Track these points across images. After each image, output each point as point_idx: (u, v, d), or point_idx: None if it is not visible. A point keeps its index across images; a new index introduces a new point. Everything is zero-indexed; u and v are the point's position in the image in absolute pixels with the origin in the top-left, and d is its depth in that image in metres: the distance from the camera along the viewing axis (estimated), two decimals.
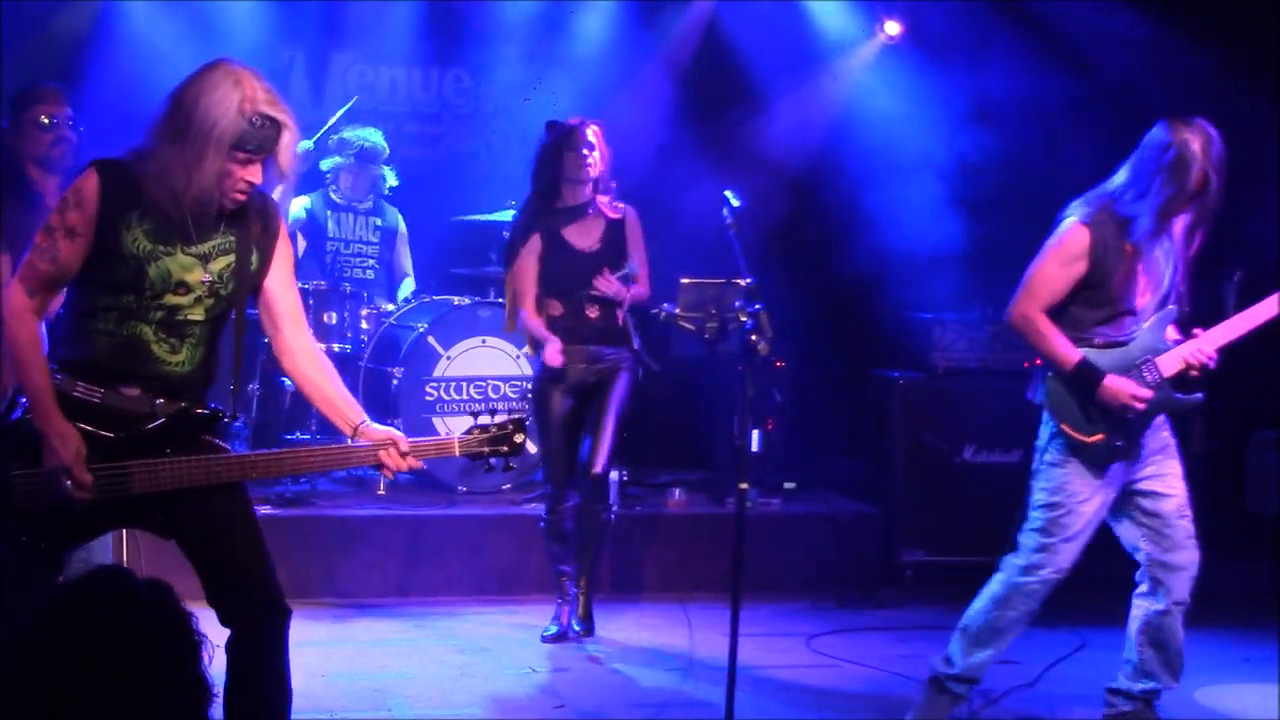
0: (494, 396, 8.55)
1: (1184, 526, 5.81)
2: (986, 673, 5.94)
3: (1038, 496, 5.84)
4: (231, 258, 4.39)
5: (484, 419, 4.67)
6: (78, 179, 4.27)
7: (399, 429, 8.06)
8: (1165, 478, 5.80)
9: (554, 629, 7.12)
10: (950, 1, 9.53)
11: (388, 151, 9.11)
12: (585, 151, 6.91)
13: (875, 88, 9.75)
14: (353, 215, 9.06)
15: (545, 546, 7.24)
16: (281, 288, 4.54)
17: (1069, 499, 5.74)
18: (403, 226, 9.23)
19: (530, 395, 7.33)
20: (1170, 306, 5.76)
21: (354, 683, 6.41)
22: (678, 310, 5.98)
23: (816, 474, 9.29)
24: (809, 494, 8.98)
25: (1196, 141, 5.49)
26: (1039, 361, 5.88)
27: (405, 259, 9.24)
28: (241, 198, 4.31)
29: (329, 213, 9.04)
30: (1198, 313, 5.80)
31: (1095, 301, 5.70)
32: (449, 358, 8.50)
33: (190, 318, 4.35)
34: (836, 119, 9.87)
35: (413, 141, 10.18)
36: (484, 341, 8.57)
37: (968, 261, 8.93)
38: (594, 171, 6.95)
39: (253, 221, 4.42)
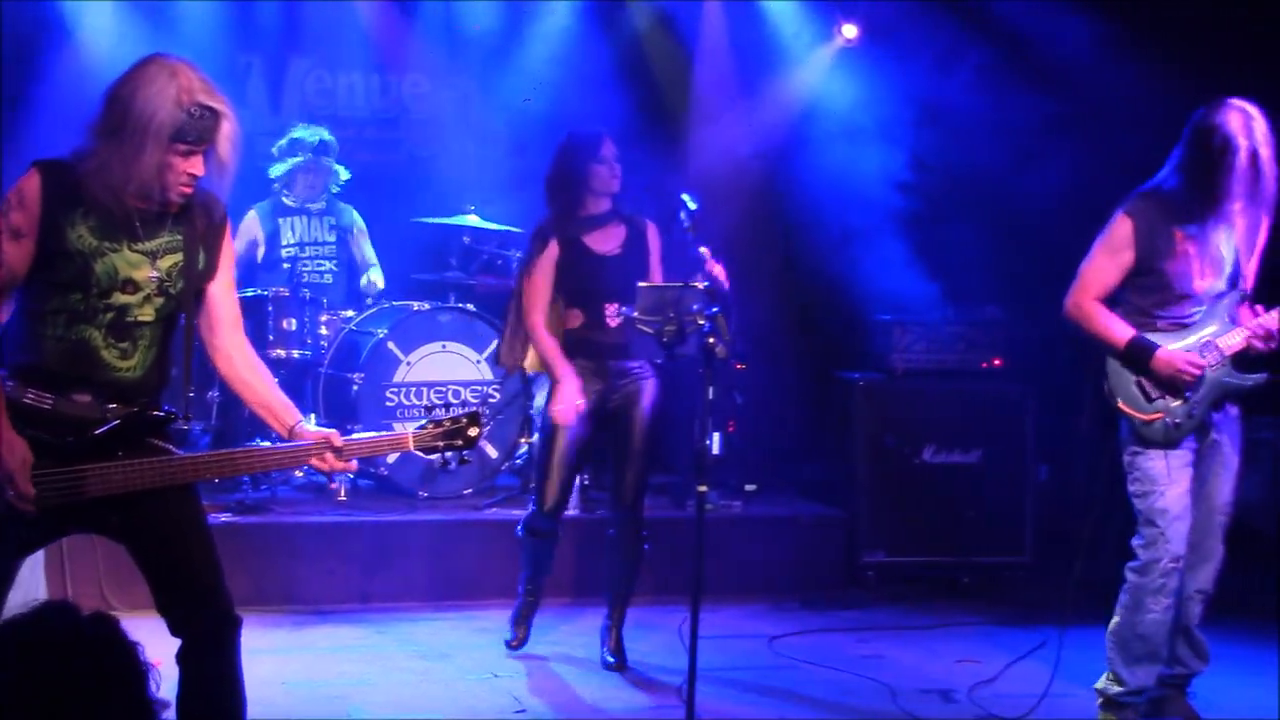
0: (454, 401, 8.38)
1: (1222, 522, 5.97)
2: (1153, 679, 5.99)
3: (1132, 491, 5.93)
4: (179, 256, 4.37)
5: (438, 413, 4.68)
6: (19, 180, 4.26)
7: (360, 434, 8.17)
8: (1224, 471, 5.93)
9: (517, 634, 7.01)
10: (907, 4, 9.54)
11: (338, 146, 9.08)
12: (614, 164, 6.71)
13: (833, 90, 9.76)
14: (306, 218, 9.03)
15: (521, 555, 7.00)
16: (224, 292, 4.53)
17: (1155, 484, 5.82)
18: (359, 221, 9.18)
19: (541, 411, 6.83)
20: (1235, 290, 5.87)
21: (314, 690, 6.38)
22: (635, 313, 5.95)
23: (778, 476, 9.30)
24: (771, 496, 8.98)
25: (1237, 121, 5.62)
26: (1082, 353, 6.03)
27: (367, 251, 9.19)
28: (186, 190, 4.28)
29: (282, 219, 8.99)
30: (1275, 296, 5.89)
31: (1150, 287, 5.84)
32: (409, 363, 8.47)
33: (140, 318, 4.33)
34: (795, 121, 9.87)
35: (371, 147, 10.15)
36: (444, 346, 8.55)
37: (928, 263, 8.95)
38: (619, 183, 6.77)
39: (198, 218, 4.41)
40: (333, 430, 4.54)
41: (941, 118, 9.37)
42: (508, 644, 6.99)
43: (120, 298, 4.30)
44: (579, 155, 6.70)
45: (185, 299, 4.41)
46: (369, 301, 8.97)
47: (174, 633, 4.34)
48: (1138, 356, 5.78)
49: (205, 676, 4.38)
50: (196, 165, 4.26)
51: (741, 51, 9.94)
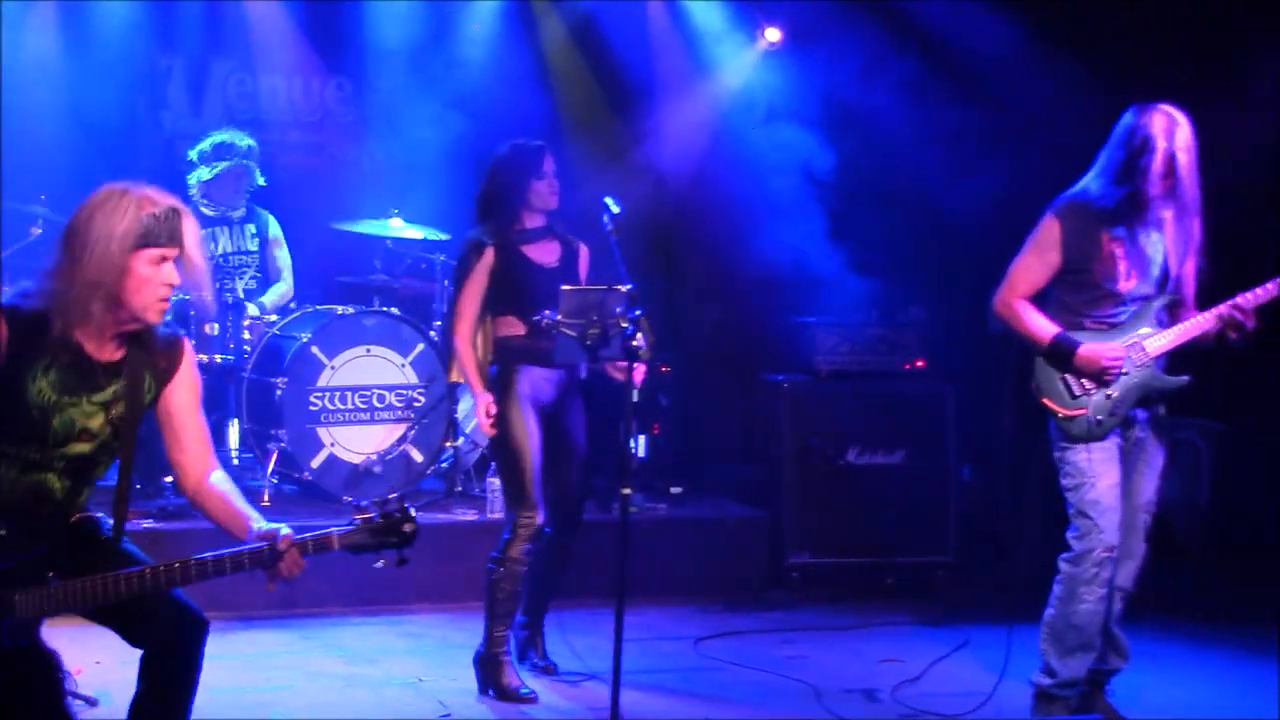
0: (379, 406, 8.50)
1: (1145, 520, 6.08)
2: (1085, 669, 6.06)
3: (1064, 485, 6.01)
4: (130, 396, 4.40)
5: (367, 513, 4.50)
6: None
7: (283, 439, 8.15)
8: (1147, 469, 6.05)
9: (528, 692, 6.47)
10: (830, 8, 9.58)
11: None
12: (554, 179, 6.59)
13: (757, 93, 9.79)
14: (228, 227, 8.93)
15: (507, 595, 6.46)
16: (186, 411, 4.55)
17: (1086, 476, 5.92)
18: (275, 229, 9.12)
19: (499, 421, 6.46)
20: (1163, 293, 5.96)
21: (238, 697, 6.34)
22: (559, 317, 5.96)
23: (704, 478, 9.33)
24: (696, 498, 9.01)
25: (1160, 123, 5.74)
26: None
27: (282, 260, 9.12)
28: (165, 305, 4.28)
29: (205, 230, 8.88)
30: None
31: (1077, 286, 5.95)
32: (333, 367, 8.42)
33: (96, 460, 4.39)
34: (719, 124, 9.90)
35: (295, 150, 10.09)
36: (368, 350, 8.51)
37: (850, 266, 9.00)
38: (557, 200, 6.64)
39: (159, 358, 4.43)
40: (282, 530, 4.43)
41: (864, 121, 9.42)
42: (529, 697, 6.41)
43: (75, 448, 4.33)
44: (519, 170, 6.56)
45: (131, 434, 4.42)
46: (292, 306, 8.92)
47: (135, 645, 4.38)
48: (1061, 353, 5.88)
49: (167, 683, 4.44)
50: (172, 274, 4.25)
51: (665, 54, 9.95)
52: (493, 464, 8.03)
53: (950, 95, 9.32)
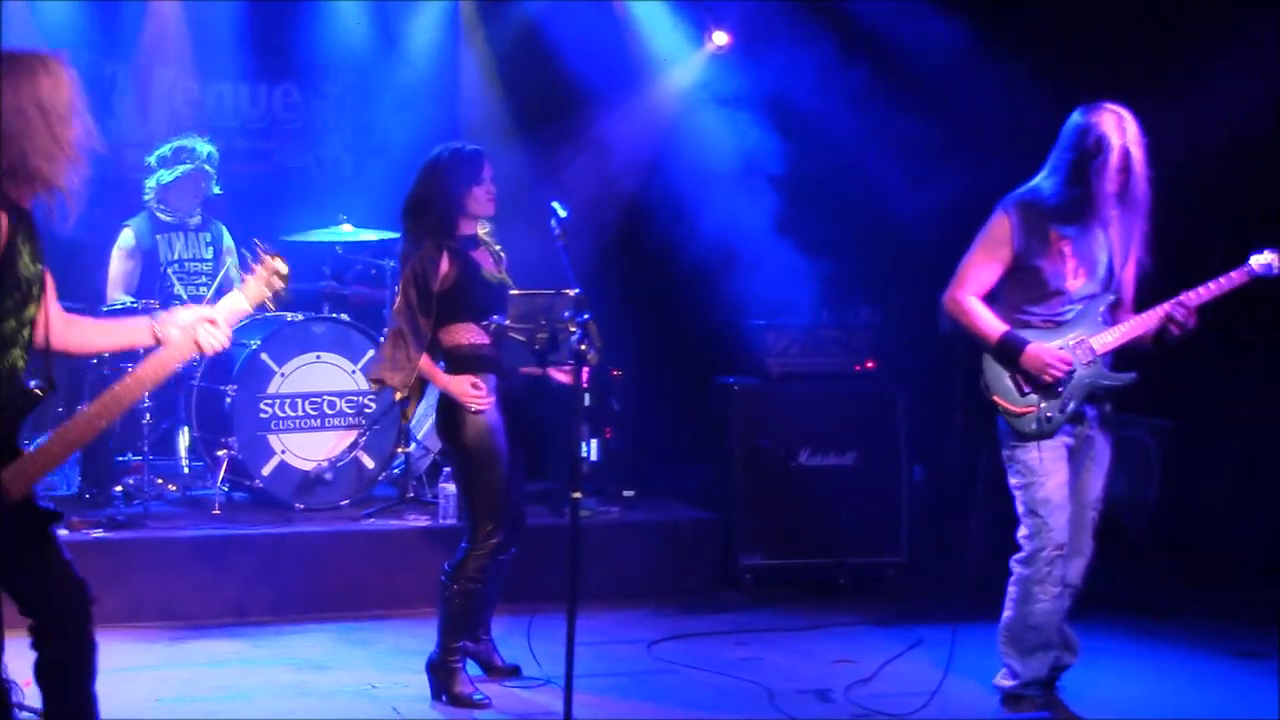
0: (330, 412, 8.48)
1: (1093, 517, 6.13)
2: (1046, 668, 6.13)
3: (1012, 484, 6.07)
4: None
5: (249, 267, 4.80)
6: None
7: (233, 447, 8.12)
8: (1095, 467, 6.10)
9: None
10: (777, 11, 9.62)
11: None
12: (491, 185, 6.41)
13: (706, 95, 9.81)
14: (184, 233, 8.90)
15: (462, 611, 6.36)
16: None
17: (1035, 474, 5.97)
18: (229, 239, 9.09)
19: (466, 434, 6.26)
20: (1108, 292, 6.02)
21: (190, 706, 6.32)
22: (508, 322, 5.96)
23: (656, 481, 9.33)
24: (649, 501, 9.01)
25: (1111, 122, 5.79)
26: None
27: (234, 273, 9.09)
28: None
29: (160, 236, 8.85)
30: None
31: (1025, 284, 6.00)
32: (283, 374, 8.39)
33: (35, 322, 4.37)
34: (667, 126, 9.92)
35: (242, 158, 10.05)
36: (318, 357, 8.48)
37: (800, 268, 9.02)
38: (494, 207, 6.46)
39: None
40: (206, 310, 4.63)
41: (814, 123, 9.44)
42: (482, 702, 6.36)
43: (31, 310, 4.33)
44: (458, 176, 6.33)
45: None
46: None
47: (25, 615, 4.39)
48: (1009, 351, 5.93)
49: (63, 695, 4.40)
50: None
51: (613, 57, 9.96)
52: (446, 471, 8.03)
53: (900, 97, 9.37)
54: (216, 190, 8.95)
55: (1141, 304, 6.08)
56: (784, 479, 8.54)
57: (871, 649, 7.32)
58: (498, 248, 6.57)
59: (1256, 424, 9.23)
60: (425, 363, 6.29)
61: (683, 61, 10.03)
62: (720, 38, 9.97)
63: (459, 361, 6.33)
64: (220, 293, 8.88)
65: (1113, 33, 9.18)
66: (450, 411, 6.31)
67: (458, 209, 6.35)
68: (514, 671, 6.74)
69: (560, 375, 6.26)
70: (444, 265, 6.26)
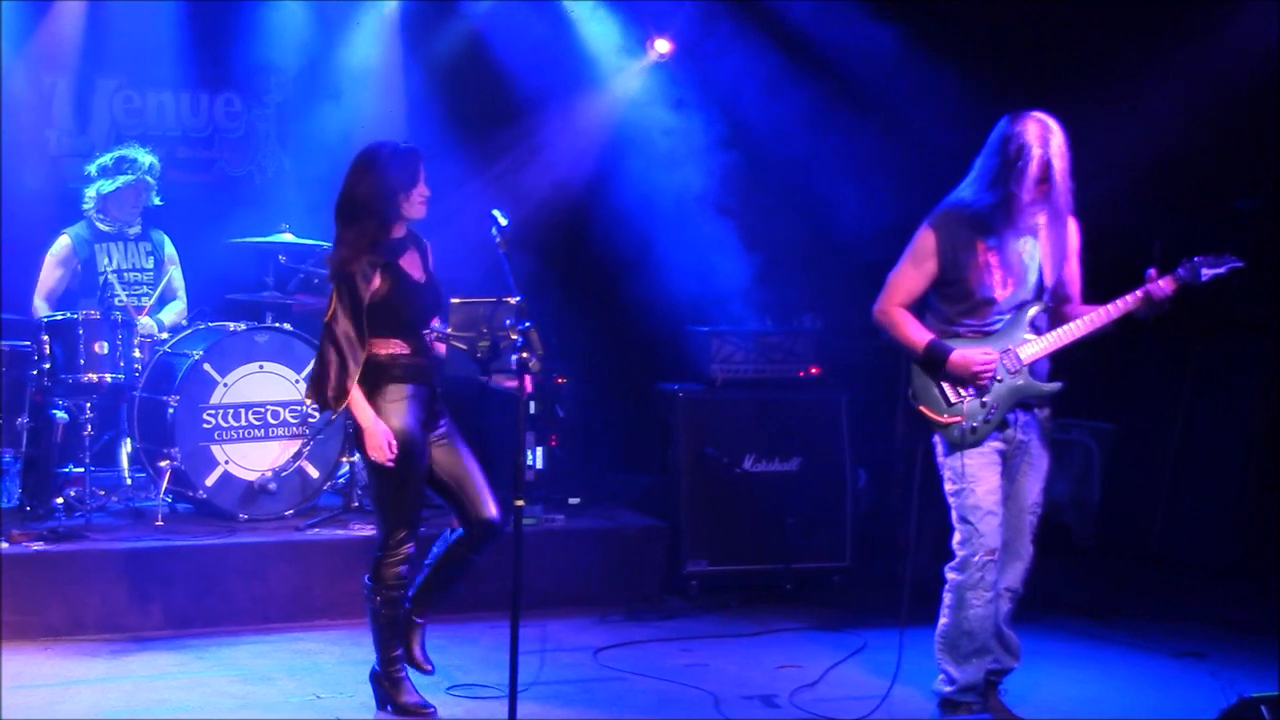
0: (273, 422, 8.44)
1: (1031, 521, 6.16)
2: (983, 673, 6.16)
3: (947, 491, 6.09)
4: None
5: None
6: None
7: (176, 458, 8.08)
8: (1032, 471, 6.13)
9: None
10: (717, 19, 9.65)
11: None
12: (425, 188, 6.16)
13: (648, 103, 9.83)
14: (124, 243, 8.85)
15: (387, 624, 6.29)
16: None
17: (966, 481, 6.00)
18: (170, 248, 9.04)
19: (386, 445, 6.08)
20: (1039, 300, 6.06)
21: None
22: (449, 330, 5.94)
23: (602, 489, 9.33)
24: (595, 509, 9.00)
25: (1034, 130, 5.81)
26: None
27: (177, 280, 9.05)
28: None
29: (99, 245, 8.79)
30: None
31: (954, 295, 6.05)
32: (226, 384, 8.35)
33: None
34: (610, 134, 9.94)
35: (184, 166, 10.02)
36: (261, 367, 8.45)
37: (743, 275, 9.05)
38: (426, 210, 6.23)
39: None
40: None
41: (756, 132, 9.49)
42: (427, 711, 6.31)
43: None
44: (392, 177, 6.09)
45: None
46: (184, 324, 8.84)
47: None
48: (934, 360, 5.98)
49: None
50: None
51: (556, 64, 9.96)
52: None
53: (844, 106, 9.43)
54: (157, 201, 8.90)
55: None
56: (729, 485, 8.57)
57: (816, 654, 7.35)
58: (425, 243, 6.39)
59: (1194, 427, 9.33)
60: (355, 395, 6.06)
61: (625, 69, 10.03)
62: (662, 46, 9.99)
63: (377, 370, 6.13)
64: (162, 302, 8.87)
65: (1046, 40, 9.27)
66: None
67: (392, 213, 6.13)
68: (428, 671, 6.49)
69: (506, 382, 6.15)
70: (375, 281, 6.09)
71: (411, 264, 6.24)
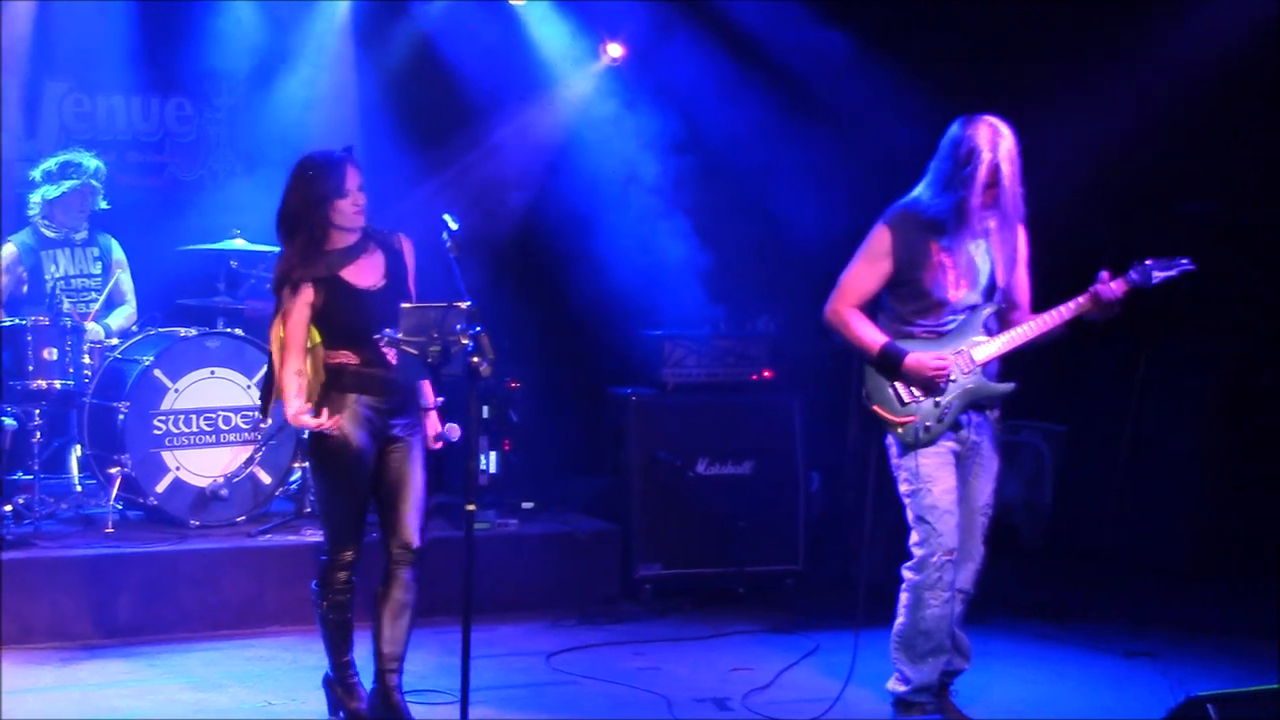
0: (225, 428, 8.40)
1: (983, 523, 6.20)
2: (938, 673, 6.19)
3: (901, 491, 6.12)
4: None
5: None
6: None
7: (126, 464, 8.04)
8: (983, 473, 6.18)
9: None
10: (669, 23, 9.66)
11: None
12: (359, 194, 6.05)
13: (599, 109, 9.83)
14: (70, 249, 8.79)
15: (335, 628, 6.25)
16: None
17: (922, 481, 6.03)
18: (119, 253, 8.98)
19: (320, 451, 6.11)
20: (991, 302, 6.10)
21: None
22: (400, 335, 5.92)
23: (555, 493, 9.31)
24: (548, 513, 8.99)
25: (984, 134, 5.86)
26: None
27: (125, 284, 8.99)
28: None
29: (45, 252, 8.73)
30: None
31: (907, 296, 6.08)
32: (177, 390, 8.31)
33: None
34: (562, 138, 9.94)
35: (135, 171, 9.96)
36: (212, 373, 8.40)
37: (695, 278, 9.07)
38: (364, 217, 6.13)
39: None
40: None
41: (708, 134, 9.51)
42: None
43: None
44: (319, 188, 6.00)
45: None
46: (134, 330, 8.80)
47: None
48: (889, 363, 6.00)
49: None
50: None
51: (508, 68, 9.95)
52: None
53: (794, 112, 9.45)
54: (104, 205, 8.85)
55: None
56: (681, 489, 8.58)
57: (769, 657, 7.37)
58: (396, 241, 6.29)
59: (1145, 429, 9.38)
60: (288, 392, 6.04)
61: (577, 73, 10.03)
62: (614, 50, 10.00)
63: (329, 379, 6.08)
64: (110, 306, 8.82)
65: (998, 44, 9.32)
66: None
67: (325, 223, 6.05)
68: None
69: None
70: (306, 295, 6.03)
71: (360, 272, 6.13)
